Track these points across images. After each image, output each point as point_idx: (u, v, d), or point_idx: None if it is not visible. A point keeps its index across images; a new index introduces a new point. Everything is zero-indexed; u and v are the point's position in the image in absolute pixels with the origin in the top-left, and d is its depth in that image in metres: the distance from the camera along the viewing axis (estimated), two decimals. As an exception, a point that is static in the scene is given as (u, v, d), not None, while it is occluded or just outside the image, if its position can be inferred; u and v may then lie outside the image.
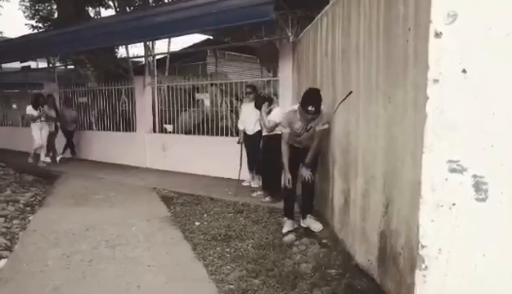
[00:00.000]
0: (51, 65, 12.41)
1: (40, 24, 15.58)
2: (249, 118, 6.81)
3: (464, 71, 1.66)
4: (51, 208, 6.05)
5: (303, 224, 4.67)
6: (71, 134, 10.52)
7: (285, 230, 4.61)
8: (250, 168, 7.09)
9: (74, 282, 3.55)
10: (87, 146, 10.79)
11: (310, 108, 4.10)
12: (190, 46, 14.86)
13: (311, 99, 4.17)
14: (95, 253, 4.20)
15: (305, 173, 4.45)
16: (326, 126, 4.35)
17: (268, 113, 6.05)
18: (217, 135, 8.13)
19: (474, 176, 1.68)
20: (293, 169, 4.60)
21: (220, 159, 7.65)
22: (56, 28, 13.15)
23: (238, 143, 7.05)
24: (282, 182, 4.92)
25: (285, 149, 4.54)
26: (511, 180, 1.64)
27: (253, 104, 6.78)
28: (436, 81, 1.69)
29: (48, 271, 3.79)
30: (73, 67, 12.73)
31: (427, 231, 1.74)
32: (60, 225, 5.07)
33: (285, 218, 4.76)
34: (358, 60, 3.62)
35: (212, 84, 9.18)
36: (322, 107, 4.26)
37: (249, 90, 7.03)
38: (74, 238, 4.63)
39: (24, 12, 16.23)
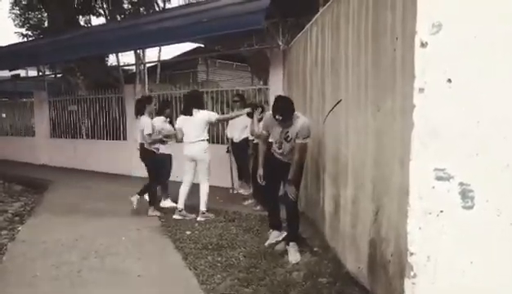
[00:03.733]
0: (40, 74, 12.34)
1: (30, 33, 15.51)
2: (236, 126, 6.86)
3: (449, 80, 1.69)
4: (40, 218, 5.98)
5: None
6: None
7: (268, 243, 4.49)
8: (239, 176, 7.10)
9: (62, 293, 3.51)
10: (75, 155, 10.71)
11: (277, 116, 4.06)
12: (181, 55, 14.88)
13: (277, 107, 4.09)
14: (84, 264, 4.15)
15: (289, 190, 4.19)
16: (307, 140, 4.14)
17: (260, 120, 6.07)
18: (208, 143, 8.10)
19: (461, 184, 1.69)
20: (274, 184, 4.55)
21: (211, 167, 7.62)
22: (46, 36, 13.09)
23: (227, 152, 7.08)
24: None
25: (261, 147, 4.56)
26: (497, 188, 1.66)
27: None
28: (422, 90, 1.71)
29: (37, 282, 3.74)
30: (63, 75, 12.67)
31: (415, 238, 1.75)
32: (50, 236, 5.01)
33: (271, 230, 4.63)
34: (347, 69, 3.65)
35: (202, 92, 9.17)
36: (299, 118, 4.13)
37: (236, 98, 7.12)
38: (64, 249, 4.58)
39: (14, 20, 16.16)
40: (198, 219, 5.63)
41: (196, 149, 5.69)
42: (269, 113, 4.42)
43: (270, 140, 4.53)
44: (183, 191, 5.83)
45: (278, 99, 4.23)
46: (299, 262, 4.02)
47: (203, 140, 5.70)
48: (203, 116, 5.69)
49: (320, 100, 4.63)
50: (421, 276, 1.76)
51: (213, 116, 5.81)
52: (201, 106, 5.87)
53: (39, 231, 5.27)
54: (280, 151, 4.39)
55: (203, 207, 5.70)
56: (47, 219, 5.90)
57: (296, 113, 4.18)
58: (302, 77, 5.62)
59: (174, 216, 5.72)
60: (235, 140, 6.95)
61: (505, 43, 1.64)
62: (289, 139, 4.22)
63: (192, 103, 5.79)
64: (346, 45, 3.68)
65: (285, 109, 4.08)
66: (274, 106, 4.15)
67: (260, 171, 4.54)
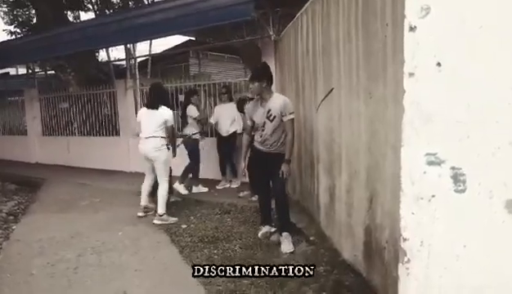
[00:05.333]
0: (30, 71, 12.22)
1: (18, 30, 15.32)
2: (224, 119, 6.86)
3: (438, 64, 1.67)
4: (34, 216, 5.95)
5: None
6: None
7: (260, 234, 4.47)
8: (222, 171, 7.12)
9: (60, 291, 3.50)
10: (68, 152, 10.65)
11: (249, 77, 4.30)
12: (172, 48, 14.79)
13: (253, 70, 4.45)
14: (80, 260, 4.14)
15: (285, 168, 4.13)
16: (292, 116, 4.13)
17: None
18: (201, 136, 8.07)
19: (452, 168, 1.69)
20: (261, 178, 4.46)
21: (205, 160, 7.61)
22: (34, 33, 12.94)
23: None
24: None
25: (245, 138, 4.57)
26: (488, 171, 1.66)
27: (228, 104, 6.85)
28: (412, 74, 1.70)
29: (33, 281, 3.72)
30: (53, 72, 12.56)
31: (408, 224, 1.75)
32: (45, 234, 4.99)
33: (261, 226, 4.56)
34: (339, 57, 3.64)
35: (195, 85, 9.14)
36: (279, 96, 4.28)
37: (223, 90, 7.15)
38: (59, 246, 4.56)
39: (3, 18, 15.95)
40: (154, 222, 5.23)
41: (149, 146, 5.28)
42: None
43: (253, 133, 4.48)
44: (144, 189, 5.59)
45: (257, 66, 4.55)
46: (296, 251, 4.03)
47: (156, 137, 5.23)
48: (162, 114, 5.26)
49: (312, 89, 4.62)
50: (415, 261, 1.76)
51: (170, 120, 5.31)
52: (164, 101, 5.44)
53: (34, 229, 5.25)
54: (262, 138, 4.27)
55: (160, 210, 5.24)
56: (42, 217, 5.87)
57: (275, 93, 4.36)
58: (294, 67, 5.60)
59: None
60: (223, 134, 6.94)
61: (493, 27, 1.63)
62: (271, 117, 4.15)
63: (156, 96, 5.42)
64: (337, 33, 3.66)
65: (257, 70, 4.32)
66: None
67: (242, 165, 4.54)
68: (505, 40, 1.63)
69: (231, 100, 6.99)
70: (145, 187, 5.59)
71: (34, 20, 14.62)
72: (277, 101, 4.17)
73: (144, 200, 5.60)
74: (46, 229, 5.19)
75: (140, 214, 5.55)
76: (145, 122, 5.33)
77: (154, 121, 5.23)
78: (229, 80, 9.07)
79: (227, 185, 7.13)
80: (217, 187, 7.13)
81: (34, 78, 12.16)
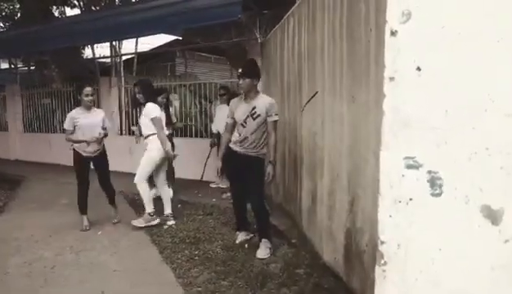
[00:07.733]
0: (13, 66, 12.01)
1: (1, 24, 15.04)
2: (220, 120, 6.84)
3: (418, 69, 1.70)
4: (12, 214, 5.84)
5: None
6: None
7: (238, 241, 4.37)
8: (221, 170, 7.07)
9: (35, 291, 3.43)
10: (49, 149, 10.48)
11: (239, 71, 4.11)
12: (158, 47, 14.68)
13: (242, 65, 4.21)
14: (58, 259, 4.07)
15: (270, 170, 4.00)
16: (277, 117, 4.02)
17: None
18: (185, 136, 8.05)
19: (429, 172, 1.71)
20: (238, 184, 4.26)
21: (189, 161, 7.58)
22: (18, 27, 12.72)
23: (211, 146, 7.06)
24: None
25: (225, 137, 4.31)
26: (464, 176, 1.69)
27: (225, 105, 6.83)
28: (392, 79, 1.72)
29: (8, 280, 3.65)
30: (36, 68, 12.37)
31: (386, 227, 1.77)
32: (23, 232, 4.90)
33: (237, 231, 4.48)
34: (323, 61, 3.66)
35: (181, 85, 9.10)
36: (265, 96, 4.13)
37: (222, 91, 7.10)
38: (37, 245, 4.48)
39: (-14, 12, 15.64)
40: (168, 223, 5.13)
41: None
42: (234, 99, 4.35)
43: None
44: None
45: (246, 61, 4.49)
46: (277, 254, 4.02)
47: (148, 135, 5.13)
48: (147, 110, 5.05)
49: (297, 92, 4.63)
50: (392, 264, 1.77)
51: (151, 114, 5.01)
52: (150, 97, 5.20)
53: (11, 227, 5.14)
54: (241, 137, 4.08)
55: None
56: (20, 215, 5.77)
57: (261, 93, 4.23)
58: (279, 70, 5.61)
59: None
60: (222, 134, 6.92)
61: (471, 34, 1.66)
62: (255, 115, 3.99)
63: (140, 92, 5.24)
64: (322, 37, 3.68)
65: (246, 65, 4.19)
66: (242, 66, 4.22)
67: (219, 164, 4.33)
68: (483, 47, 1.66)
69: (229, 100, 6.95)
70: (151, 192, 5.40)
71: (19, 15, 14.38)
72: (264, 101, 4.04)
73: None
74: (24, 228, 5.09)
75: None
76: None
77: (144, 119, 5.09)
78: (215, 80, 9.04)
79: (220, 185, 7.07)
80: (212, 185, 7.21)
81: (17, 73, 11.96)
